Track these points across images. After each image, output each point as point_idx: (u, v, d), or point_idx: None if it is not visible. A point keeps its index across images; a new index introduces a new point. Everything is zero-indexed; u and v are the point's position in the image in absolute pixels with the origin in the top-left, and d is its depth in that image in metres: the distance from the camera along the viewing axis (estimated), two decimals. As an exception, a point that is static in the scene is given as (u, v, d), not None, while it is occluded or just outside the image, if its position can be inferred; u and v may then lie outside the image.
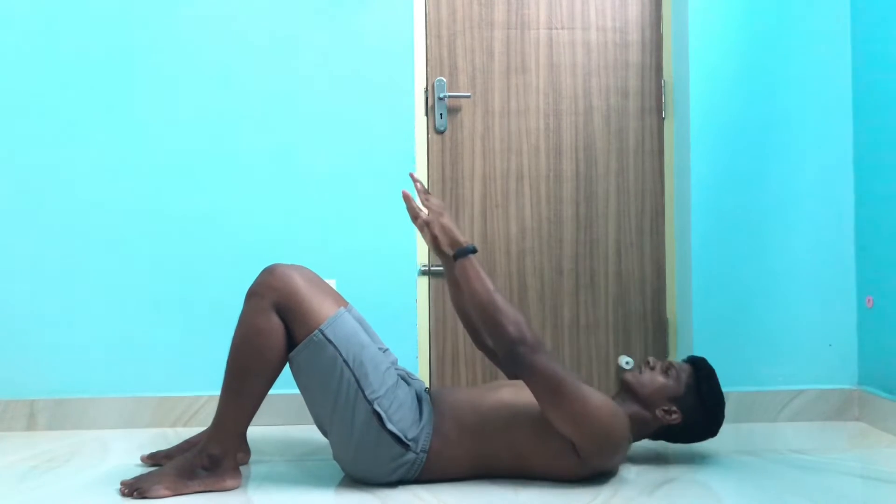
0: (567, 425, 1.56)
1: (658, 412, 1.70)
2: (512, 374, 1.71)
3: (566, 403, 1.55)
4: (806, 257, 2.28)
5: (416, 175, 1.69)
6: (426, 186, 1.71)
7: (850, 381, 2.27)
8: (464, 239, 1.64)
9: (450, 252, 1.65)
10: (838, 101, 2.29)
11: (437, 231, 1.65)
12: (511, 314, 1.56)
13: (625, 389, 1.74)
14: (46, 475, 1.77)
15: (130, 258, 2.25)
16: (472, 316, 1.82)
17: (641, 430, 1.72)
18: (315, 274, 1.71)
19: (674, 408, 1.69)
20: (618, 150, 2.44)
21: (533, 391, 1.57)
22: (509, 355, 1.56)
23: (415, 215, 1.68)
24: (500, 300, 1.58)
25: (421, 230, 1.68)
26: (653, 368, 1.74)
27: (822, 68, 2.29)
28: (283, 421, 2.20)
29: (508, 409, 1.64)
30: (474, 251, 1.63)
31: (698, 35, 2.28)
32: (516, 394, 1.66)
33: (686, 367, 1.75)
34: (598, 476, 1.67)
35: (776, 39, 2.29)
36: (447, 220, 1.65)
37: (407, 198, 1.69)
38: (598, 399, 1.57)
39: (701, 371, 1.74)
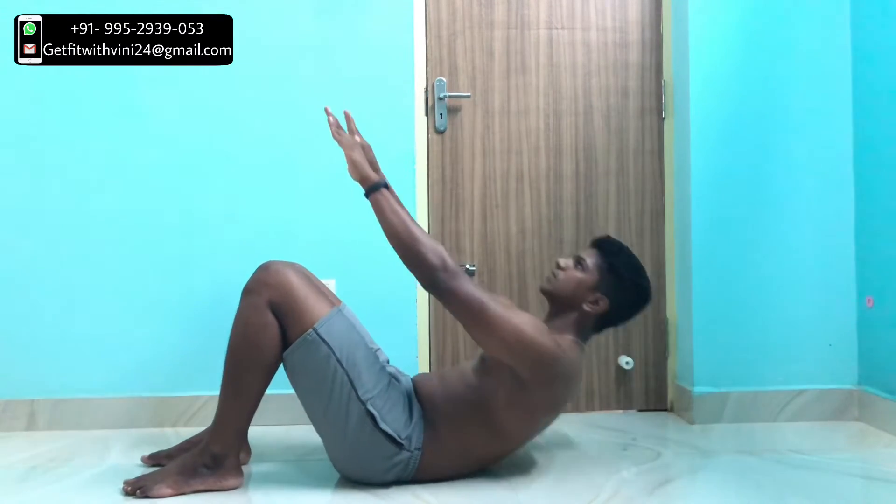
0: (496, 347, 1.58)
1: (586, 306, 1.69)
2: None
3: (490, 325, 1.55)
4: (806, 257, 2.28)
5: (329, 109, 1.70)
6: (343, 124, 1.72)
7: (850, 381, 2.27)
8: (374, 174, 1.64)
9: (362, 187, 1.65)
10: (838, 101, 2.29)
11: (347, 167, 1.66)
12: (430, 244, 1.57)
13: (549, 302, 1.75)
14: (46, 475, 1.77)
15: (130, 258, 2.25)
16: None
17: (582, 330, 1.71)
18: (309, 272, 1.72)
19: (598, 295, 1.69)
20: (618, 150, 2.44)
21: (458, 317, 1.59)
22: (430, 283, 1.56)
23: (334, 133, 1.68)
24: (418, 231, 1.58)
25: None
26: (564, 269, 1.74)
27: (822, 68, 2.29)
28: (283, 421, 2.20)
29: (468, 373, 1.68)
30: (386, 186, 1.63)
31: (698, 35, 2.28)
32: (475, 361, 1.69)
33: (591, 251, 1.75)
34: (557, 407, 1.67)
35: (776, 39, 2.29)
36: (357, 156, 1.65)
37: (327, 112, 1.69)
38: (522, 317, 1.59)
39: (606, 249, 1.74)
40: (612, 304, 1.70)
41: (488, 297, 1.57)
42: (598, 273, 1.70)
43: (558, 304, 1.73)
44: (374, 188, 1.63)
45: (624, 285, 1.71)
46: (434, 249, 1.56)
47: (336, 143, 1.68)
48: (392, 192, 1.65)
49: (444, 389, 1.69)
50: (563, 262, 1.75)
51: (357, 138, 1.70)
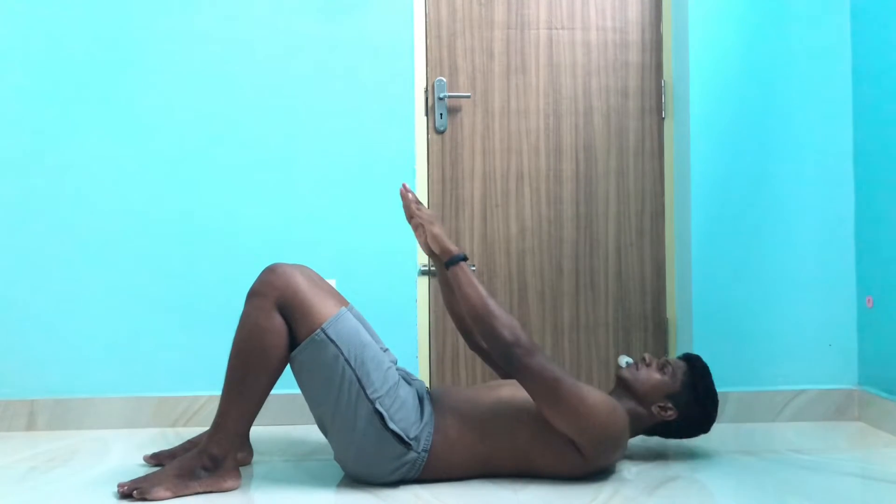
0: (566, 424, 1.58)
1: (654, 408, 1.72)
2: (506, 375, 1.75)
3: (564, 402, 1.56)
4: (806, 257, 2.28)
5: (407, 185, 1.73)
6: (417, 196, 1.75)
7: (850, 381, 2.27)
8: (454, 247, 1.67)
9: (441, 259, 1.68)
10: (838, 101, 2.29)
11: (428, 240, 1.68)
12: (505, 319, 1.58)
13: (621, 386, 1.76)
14: (46, 475, 1.77)
15: (131, 258, 2.25)
16: (464, 318, 1.84)
17: (637, 425, 1.74)
18: (316, 273, 1.72)
19: (669, 404, 1.72)
20: (618, 151, 2.45)
21: (530, 392, 1.59)
22: (504, 357, 1.58)
23: (410, 214, 1.72)
24: (493, 305, 1.60)
25: (415, 230, 1.72)
26: (649, 365, 1.76)
27: (823, 68, 2.29)
28: (284, 421, 2.20)
29: (508, 407, 1.66)
30: (465, 259, 1.66)
31: (698, 35, 2.28)
32: (515, 393, 1.67)
33: (681, 364, 1.78)
34: (598, 473, 1.68)
35: (776, 39, 2.29)
36: (438, 230, 1.68)
37: (403, 195, 1.72)
38: (596, 396, 1.60)
39: (696, 368, 1.77)
40: (677, 419, 1.72)
41: (562, 372, 1.58)
42: (680, 386, 1.73)
43: (629, 394, 1.74)
44: (454, 261, 1.65)
45: (697, 407, 1.74)
46: (509, 325, 1.58)
47: (407, 219, 1.72)
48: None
49: (476, 410, 1.67)
50: (648, 357, 1.78)
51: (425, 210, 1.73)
